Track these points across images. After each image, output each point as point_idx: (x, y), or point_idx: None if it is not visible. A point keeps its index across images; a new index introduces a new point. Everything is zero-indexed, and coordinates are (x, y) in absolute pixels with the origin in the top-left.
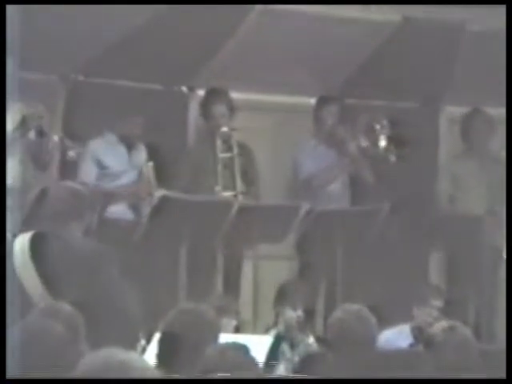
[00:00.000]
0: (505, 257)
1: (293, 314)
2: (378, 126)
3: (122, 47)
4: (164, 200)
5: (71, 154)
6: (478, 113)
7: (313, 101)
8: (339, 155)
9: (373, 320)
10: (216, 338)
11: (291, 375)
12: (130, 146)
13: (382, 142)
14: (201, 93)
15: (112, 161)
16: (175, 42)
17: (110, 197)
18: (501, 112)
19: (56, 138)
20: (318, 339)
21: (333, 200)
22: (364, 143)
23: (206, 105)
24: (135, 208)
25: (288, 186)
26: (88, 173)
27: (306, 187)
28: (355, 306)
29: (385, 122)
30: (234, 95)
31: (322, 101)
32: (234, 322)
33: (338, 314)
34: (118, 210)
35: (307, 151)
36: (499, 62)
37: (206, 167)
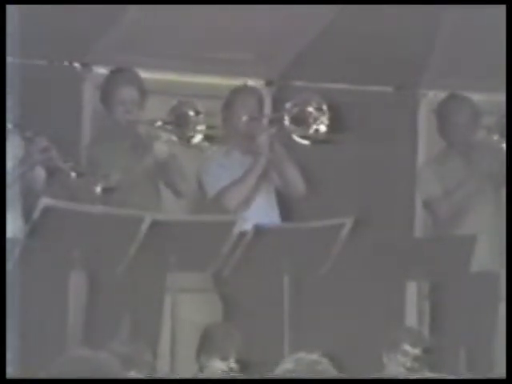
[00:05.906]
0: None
1: (223, 366)
2: (311, 109)
3: None
4: (48, 212)
5: None
6: (455, 99)
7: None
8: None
9: (334, 374)
10: None
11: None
12: None
13: (320, 127)
14: (100, 71)
15: None
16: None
17: None
18: (485, 99)
19: None
20: None
21: (257, 216)
22: (292, 129)
23: (108, 87)
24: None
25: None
26: None
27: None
28: (310, 356)
29: (323, 106)
30: (143, 75)
31: (236, 91)
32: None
33: (287, 366)
34: None
35: (213, 165)
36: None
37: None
